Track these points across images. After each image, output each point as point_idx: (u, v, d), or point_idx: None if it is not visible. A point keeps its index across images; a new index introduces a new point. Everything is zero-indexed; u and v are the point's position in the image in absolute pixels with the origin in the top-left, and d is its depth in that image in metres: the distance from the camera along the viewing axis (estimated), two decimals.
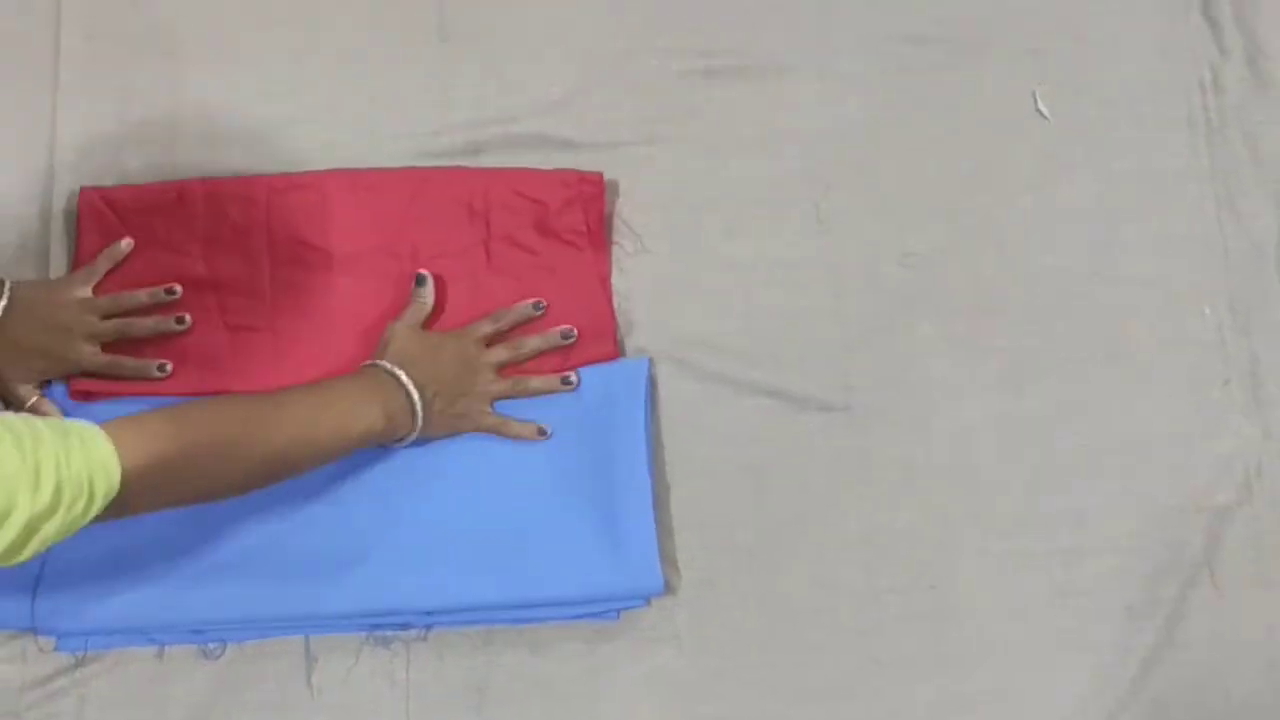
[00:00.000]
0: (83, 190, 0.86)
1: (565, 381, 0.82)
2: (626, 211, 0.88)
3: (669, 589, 0.81)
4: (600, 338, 0.84)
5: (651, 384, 0.84)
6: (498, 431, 0.81)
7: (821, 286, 0.87)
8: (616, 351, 0.84)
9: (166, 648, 0.79)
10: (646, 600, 0.80)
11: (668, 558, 0.82)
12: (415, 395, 0.76)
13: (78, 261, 0.85)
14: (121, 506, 0.64)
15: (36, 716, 0.78)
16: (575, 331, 0.82)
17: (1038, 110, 0.91)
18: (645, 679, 0.80)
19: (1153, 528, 0.83)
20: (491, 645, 0.80)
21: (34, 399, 0.81)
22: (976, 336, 0.86)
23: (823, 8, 0.92)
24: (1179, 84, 0.91)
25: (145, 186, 0.85)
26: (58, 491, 0.60)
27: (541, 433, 0.81)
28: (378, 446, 0.78)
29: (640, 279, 0.87)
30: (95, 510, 0.62)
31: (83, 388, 0.82)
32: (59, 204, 0.87)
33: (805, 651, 0.81)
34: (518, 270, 0.85)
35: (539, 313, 0.83)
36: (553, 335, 0.83)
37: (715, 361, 0.85)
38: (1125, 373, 0.86)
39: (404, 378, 0.76)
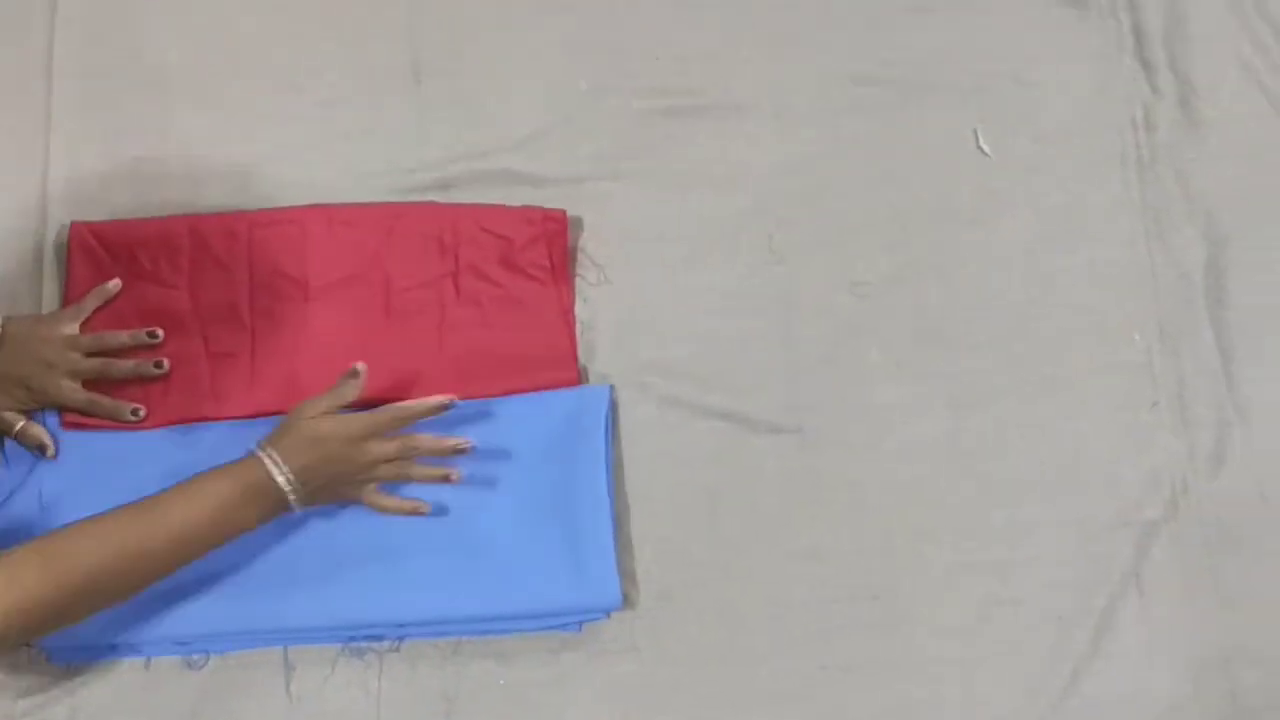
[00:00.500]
0: (73, 225, 0.90)
1: (446, 478, 0.84)
2: (590, 244, 0.93)
3: (628, 603, 0.86)
4: (562, 365, 0.89)
5: (612, 408, 0.89)
6: (376, 507, 0.83)
7: (775, 314, 0.92)
8: (577, 378, 0.89)
9: (153, 659, 0.84)
10: (607, 614, 0.85)
11: (627, 573, 0.86)
12: (288, 489, 0.78)
13: (68, 293, 0.89)
14: (3, 644, 0.69)
15: None
16: (470, 445, 0.82)
17: (979, 147, 0.96)
18: (606, 688, 0.85)
19: (1085, 541, 0.88)
20: (460, 655, 0.85)
21: (20, 424, 0.85)
22: (922, 362, 0.91)
23: (777, 50, 0.97)
24: (1113, 122, 0.96)
25: (133, 222, 0.90)
26: None
27: (416, 510, 0.83)
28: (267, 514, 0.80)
29: (602, 309, 0.91)
30: None
31: (74, 419, 0.86)
32: (51, 236, 0.92)
33: (757, 661, 0.86)
34: (483, 301, 0.90)
35: (444, 412, 0.82)
36: (446, 441, 0.82)
37: (673, 386, 0.90)
38: (1061, 396, 0.91)
39: (279, 476, 0.78)
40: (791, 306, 0.92)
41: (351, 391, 0.81)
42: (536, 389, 0.88)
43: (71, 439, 0.86)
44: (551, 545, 0.84)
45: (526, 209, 0.92)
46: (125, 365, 0.86)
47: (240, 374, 0.88)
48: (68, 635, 0.81)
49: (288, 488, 0.78)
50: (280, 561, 0.84)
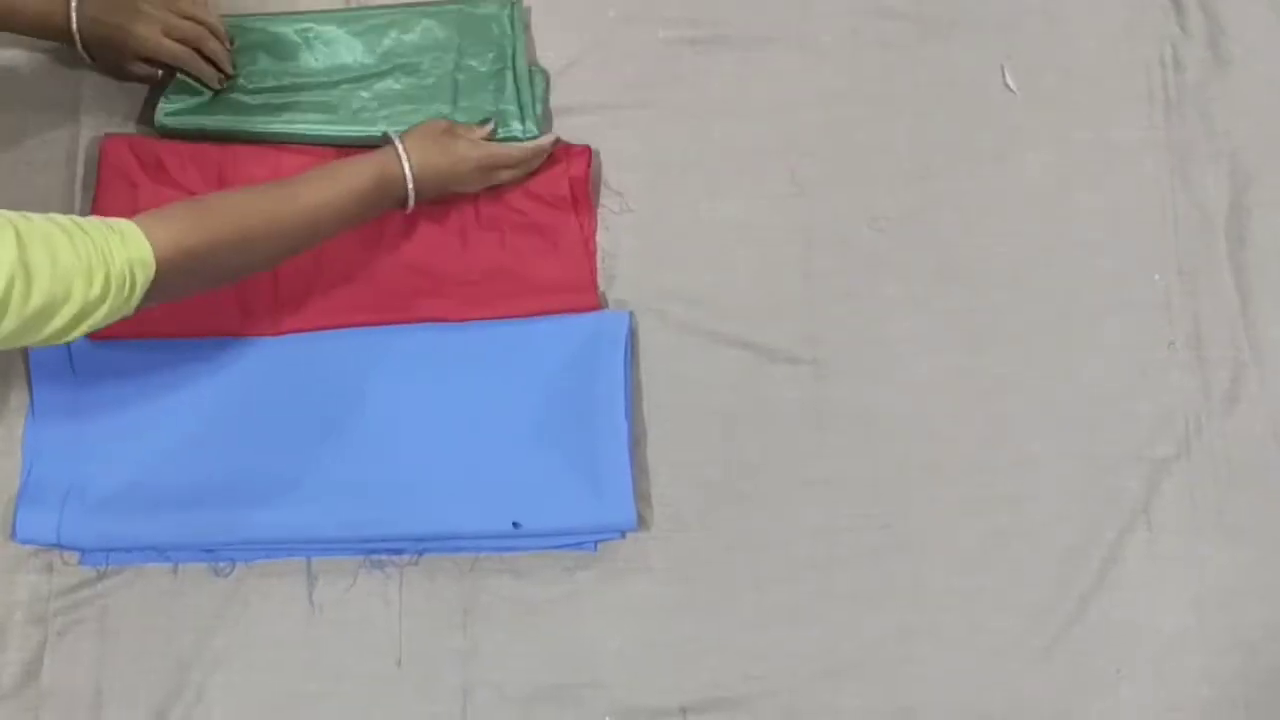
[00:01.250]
0: (106, 137, 0.92)
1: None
2: (613, 173, 0.94)
3: (643, 524, 0.88)
4: (582, 290, 0.90)
5: (632, 335, 0.90)
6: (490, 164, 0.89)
7: (794, 247, 0.93)
8: (597, 304, 0.90)
9: (181, 565, 0.87)
10: (622, 534, 0.87)
11: (642, 495, 0.88)
12: (410, 183, 0.85)
13: (98, 202, 0.91)
14: (160, 293, 0.73)
15: (63, 623, 0.86)
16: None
17: (1005, 84, 0.96)
18: (620, 605, 0.87)
19: (1095, 475, 0.89)
20: (477, 570, 0.87)
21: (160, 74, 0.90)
22: (938, 298, 0.92)
23: None
24: (1140, 60, 0.96)
25: (167, 143, 0.92)
26: (106, 283, 0.69)
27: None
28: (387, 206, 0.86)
29: (624, 237, 0.92)
30: (136, 299, 0.72)
31: (103, 331, 0.87)
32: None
33: (767, 583, 0.87)
34: (504, 227, 0.91)
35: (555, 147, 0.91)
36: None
37: (692, 314, 0.91)
38: (1077, 333, 0.91)
39: (408, 173, 0.85)
40: (811, 238, 0.93)
41: (487, 130, 0.90)
42: (557, 313, 0.90)
43: (93, 350, 0.88)
44: (569, 465, 0.86)
45: None
46: (216, 45, 0.90)
47: (265, 292, 0.89)
48: (99, 538, 0.84)
49: (410, 176, 0.84)
50: (305, 475, 0.86)
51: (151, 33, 0.88)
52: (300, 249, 0.82)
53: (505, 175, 0.90)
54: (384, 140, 0.87)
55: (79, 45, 0.88)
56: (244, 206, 0.78)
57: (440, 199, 0.89)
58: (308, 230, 0.81)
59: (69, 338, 0.70)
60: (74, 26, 0.87)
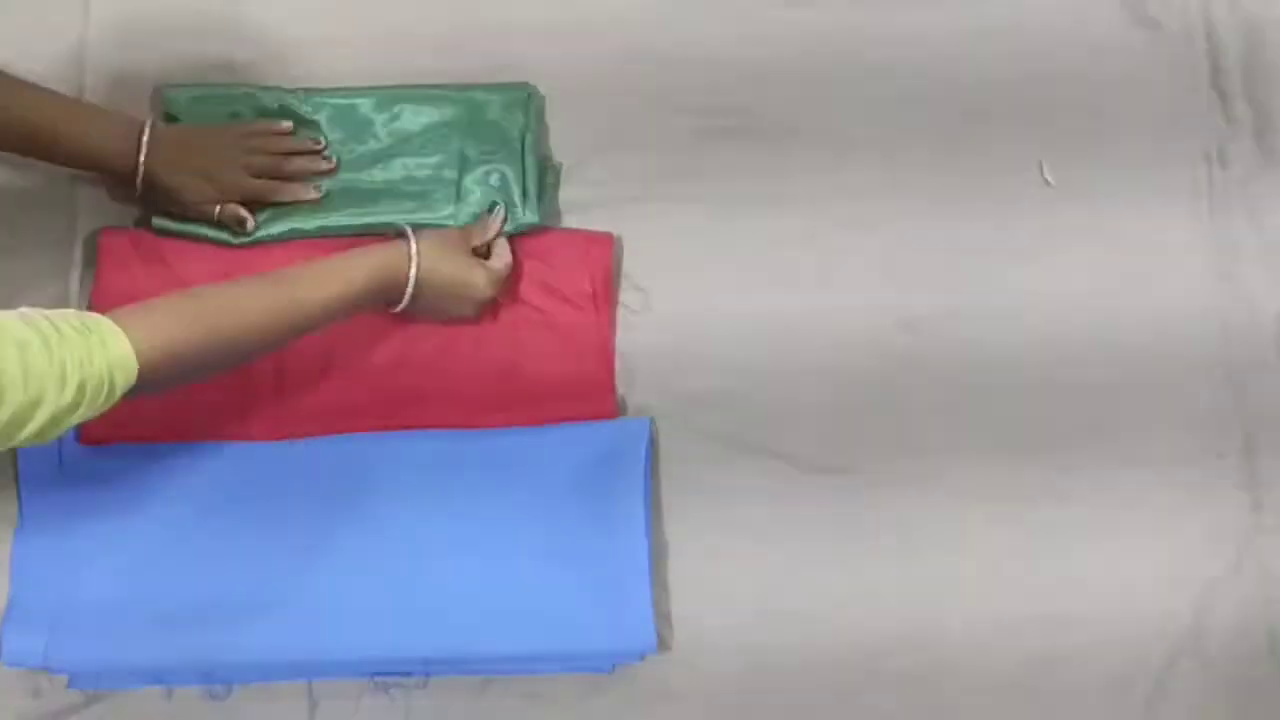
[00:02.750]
0: (104, 231, 0.88)
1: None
2: (633, 268, 0.90)
3: (663, 645, 0.83)
4: (600, 396, 0.86)
5: (652, 442, 0.86)
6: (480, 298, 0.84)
7: (823, 348, 0.89)
8: (615, 409, 0.86)
9: (175, 688, 0.82)
10: (640, 657, 0.82)
11: (662, 614, 0.83)
12: (409, 286, 0.81)
13: (95, 298, 0.86)
14: (140, 392, 0.69)
15: None
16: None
17: (1043, 178, 0.92)
18: None
19: (1142, 597, 0.85)
20: (488, 694, 0.82)
21: (218, 208, 0.85)
22: (974, 404, 0.88)
23: (832, 71, 0.93)
24: (1184, 155, 0.92)
25: (166, 240, 0.87)
26: (81, 389, 0.65)
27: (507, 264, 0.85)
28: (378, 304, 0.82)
29: (644, 337, 0.88)
30: (114, 401, 0.68)
31: (92, 434, 0.84)
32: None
33: (796, 710, 0.83)
34: (520, 327, 0.87)
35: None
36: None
37: (716, 421, 0.87)
38: (1120, 443, 0.87)
39: (410, 269, 0.80)
40: (841, 340, 0.89)
41: (491, 226, 0.86)
42: (573, 419, 0.85)
43: (88, 457, 0.83)
44: (585, 583, 0.81)
45: (569, 232, 0.89)
46: (297, 162, 0.87)
47: (267, 392, 0.85)
48: (89, 659, 0.80)
49: (409, 292, 0.81)
50: (307, 592, 0.81)
51: (220, 186, 0.85)
52: (290, 343, 0.78)
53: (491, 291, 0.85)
54: (396, 234, 0.83)
55: (136, 190, 0.85)
56: (235, 302, 0.75)
57: (430, 315, 0.84)
58: (302, 326, 0.77)
59: (44, 440, 0.66)
60: (139, 176, 0.84)
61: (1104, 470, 0.87)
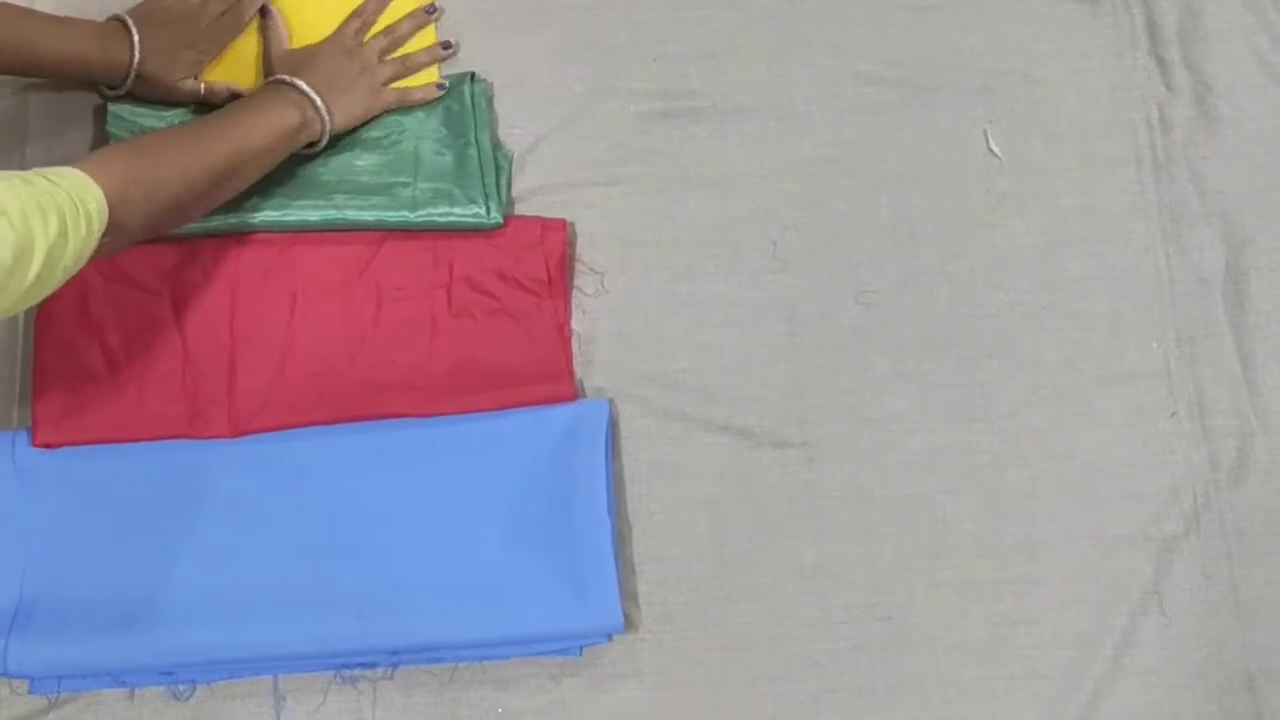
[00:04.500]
0: None
1: (440, 87, 0.90)
2: (587, 252, 0.90)
3: (630, 625, 0.83)
4: (558, 380, 0.86)
5: (612, 424, 0.86)
6: (401, 103, 0.90)
7: (778, 324, 0.89)
8: (574, 393, 0.86)
9: (137, 690, 0.81)
10: (608, 637, 0.82)
11: (629, 594, 0.83)
12: (315, 97, 0.85)
13: (44, 308, 0.86)
14: (119, 228, 0.71)
15: None
16: (453, 43, 0.92)
17: (989, 149, 0.93)
18: (609, 713, 0.82)
19: (1103, 557, 0.85)
20: (457, 682, 0.82)
21: (202, 86, 0.88)
22: (930, 372, 0.88)
23: (778, 50, 0.94)
24: (1126, 122, 0.93)
25: None
26: (61, 217, 0.65)
27: (440, 87, 0.90)
28: (305, 148, 0.86)
29: (600, 320, 0.88)
30: (97, 229, 0.68)
31: (49, 438, 0.83)
32: None
33: (764, 684, 0.83)
34: (477, 314, 0.87)
35: (431, 18, 0.92)
36: (420, 14, 0.92)
37: (673, 399, 0.87)
38: (1075, 406, 0.88)
39: (303, 85, 0.84)
40: (795, 315, 0.89)
41: (278, 27, 0.90)
42: (532, 404, 0.85)
43: (41, 460, 0.83)
44: (550, 567, 0.81)
45: (524, 219, 0.89)
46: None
47: (221, 389, 0.85)
48: (49, 663, 0.79)
49: (315, 95, 0.84)
50: (269, 587, 0.81)
51: (203, 47, 0.87)
52: (233, 185, 0.81)
53: (372, 48, 0.90)
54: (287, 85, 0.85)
55: (126, 87, 0.86)
56: (175, 141, 0.78)
57: (362, 110, 0.88)
58: (242, 164, 0.80)
59: (46, 292, 0.66)
60: (131, 74, 0.85)
61: (1061, 433, 0.87)
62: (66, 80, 0.88)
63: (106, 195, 0.69)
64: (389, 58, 0.91)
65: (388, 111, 0.90)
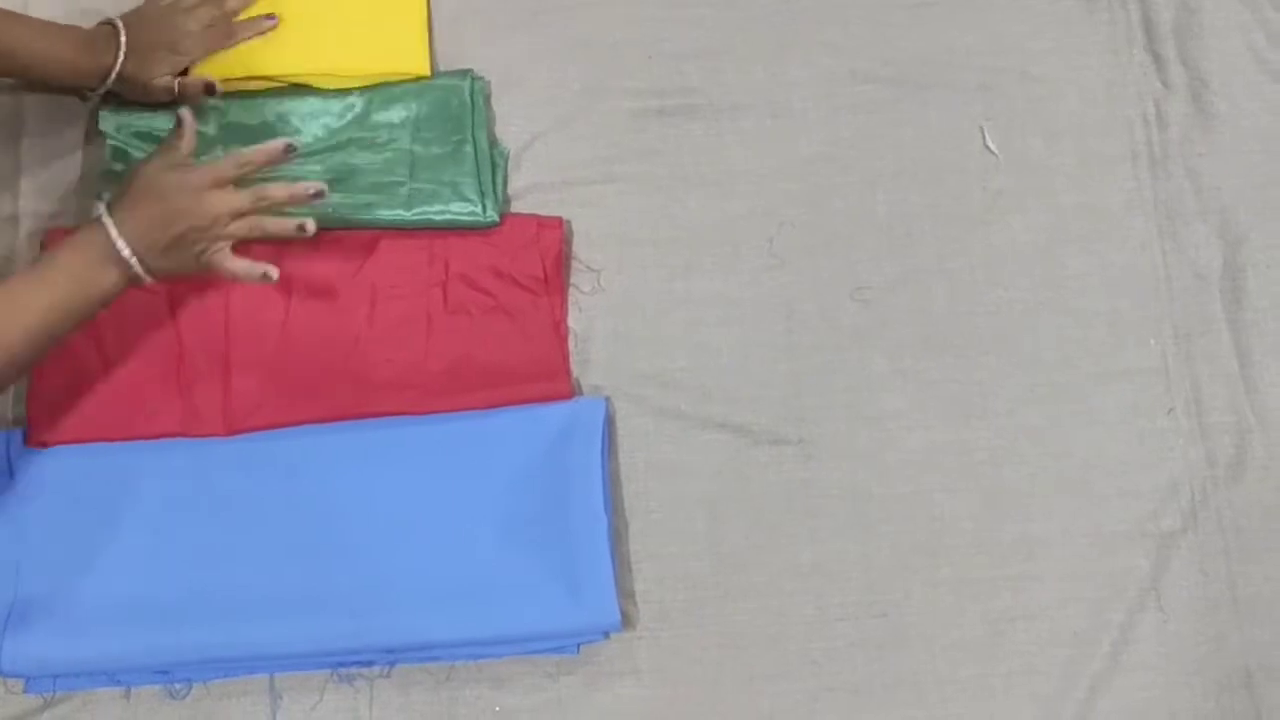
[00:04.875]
0: (50, 231, 0.87)
1: (300, 229, 0.78)
2: (583, 250, 0.90)
3: (627, 622, 0.83)
4: (554, 378, 0.86)
5: (608, 422, 0.85)
6: (225, 271, 0.77)
7: (775, 322, 0.89)
8: (571, 391, 0.86)
9: (133, 688, 0.81)
10: (605, 635, 0.82)
11: (625, 592, 0.83)
12: (127, 254, 0.74)
13: None
14: None
15: None
16: (325, 189, 0.78)
17: (986, 146, 0.92)
18: (606, 711, 0.82)
19: (1100, 554, 0.85)
20: (453, 680, 0.82)
21: (175, 82, 0.85)
22: (928, 370, 0.88)
23: (775, 47, 0.94)
24: (1123, 119, 0.93)
25: None
26: None
27: (266, 277, 0.77)
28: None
29: (596, 318, 0.88)
30: None
31: (43, 436, 0.83)
32: None
33: (761, 682, 0.82)
34: (473, 312, 0.87)
35: (287, 157, 0.78)
36: (299, 187, 0.78)
37: (670, 398, 0.87)
38: (1072, 402, 0.88)
39: (121, 246, 0.74)
40: (792, 313, 0.89)
41: (184, 140, 0.77)
42: (528, 402, 0.85)
43: (33, 458, 0.82)
44: (546, 565, 0.81)
45: (520, 216, 0.89)
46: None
47: (215, 387, 0.84)
48: (44, 662, 0.79)
49: (127, 252, 0.73)
50: (264, 586, 0.80)
51: (183, 49, 0.85)
52: (42, 349, 0.74)
53: (225, 203, 0.75)
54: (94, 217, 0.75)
55: (106, 87, 0.84)
56: None
57: (186, 265, 0.76)
58: (45, 332, 0.73)
59: None
60: (112, 76, 0.83)
61: (1058, 430, 0.87)
62: (49, 83, 0.87)
63: None
64: (236, 216, 0.76)
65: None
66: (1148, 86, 0.94)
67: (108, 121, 0.87)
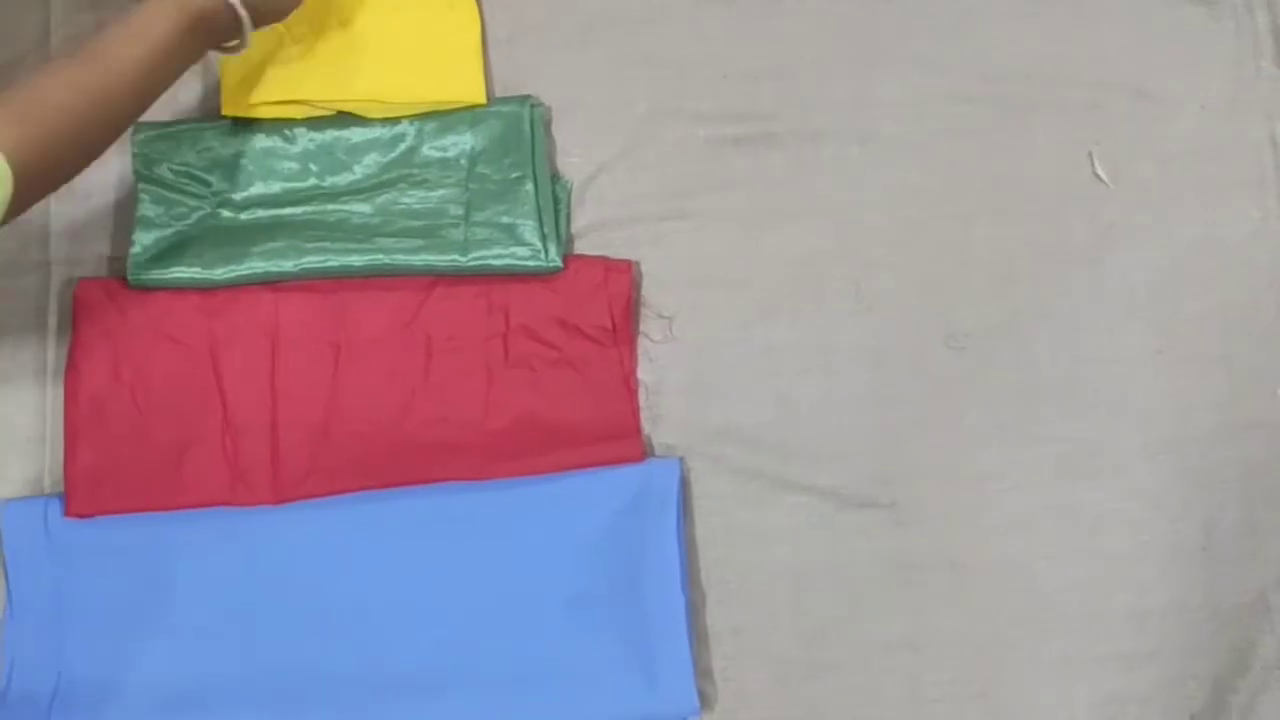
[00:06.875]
0: (81, 282, 0.82)
1: None
2: (653, 295, 0.83)
3: (705, 703, 0.77)
4: (624, 437, 0.79)
5: (683, 485, 0.79)
6: None
7: (862, 372, 0.82)
8: (642, 452, 0.79)
9: None
10: (683, 719, 0.77)
11: (703, 669, 0.78)
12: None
13: (73, 353, 0.80)
14: (26, 184, 0.66)
15: None
16: None
17: (1095, 173, 0.84)
18: None
19: (1219, 627, 0.79)
20: None
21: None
22: (1029, 424, 0.81)
23: (861, 67, 0.86)
24: (1246, 141, 0.85)
25: (146, 293, 0.81)
26: None
27: None
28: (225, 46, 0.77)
29: (669, 369, 0.82)
30: (5, 191, 0.64)
31: (81, 508, 0.78)
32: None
33: None
34: (536, 366, 0.80)
35: None
36: None
37: (749, 457, 0.81)
38: (1190, 460, 0.81)
39: None
40: (881, 362, 0.82)
41: None
42: (596, 464, 0.79)
43: (75, 533, 0.77)
44: (619, 646, 0.76)
45: (586, 259, 0.82)
46: None
47: (263, 453, 0.79)
48: None
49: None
50: (317, 667, 0.76)
51: None
52: (133, 112, 0.73)
53: None
54: None
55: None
56: (67, 84, 0.69)
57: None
58: (137, 97, 0.72)
59: None
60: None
61: (1171, 492, 0.80)
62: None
63: (10, 157, 0.64)
64: None
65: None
66: (1275, 104, 0.85)
67: (141, 164, 0.81)
